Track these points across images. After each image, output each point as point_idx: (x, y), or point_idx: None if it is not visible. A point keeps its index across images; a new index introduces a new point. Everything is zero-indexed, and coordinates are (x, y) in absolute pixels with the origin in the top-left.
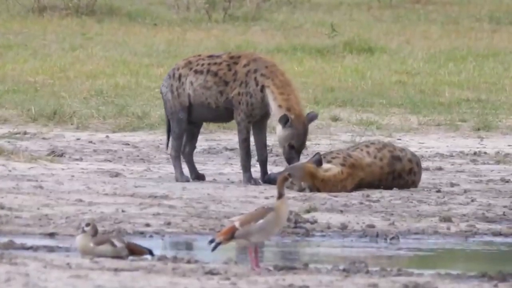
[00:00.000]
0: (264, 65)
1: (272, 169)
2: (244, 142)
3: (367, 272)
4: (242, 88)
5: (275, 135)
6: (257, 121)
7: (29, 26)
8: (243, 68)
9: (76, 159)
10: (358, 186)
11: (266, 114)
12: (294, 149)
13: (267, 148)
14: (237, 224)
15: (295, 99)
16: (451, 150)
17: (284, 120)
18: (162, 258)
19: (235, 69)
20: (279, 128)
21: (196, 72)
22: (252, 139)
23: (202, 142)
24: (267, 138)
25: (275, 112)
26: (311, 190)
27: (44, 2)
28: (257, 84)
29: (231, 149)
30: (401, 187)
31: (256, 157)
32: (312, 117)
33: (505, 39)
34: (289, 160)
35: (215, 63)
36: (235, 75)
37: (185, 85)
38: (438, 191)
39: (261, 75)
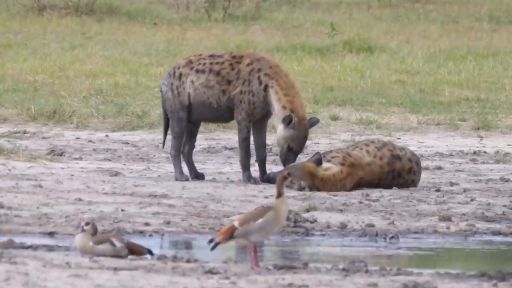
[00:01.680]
0: (268, 65)
1: (271, 168)
2: (244, 142)
3: (367, 271)
4: (245, 86)
5: (276, 134)
6: (258, 120)
7: (28, 25)
8: (247, 67)
9: (76, 158)
10: (358, 185)
11: (266, 114)
12: (292, 151)
13: (266, 147)
14: (236, 223)
15: (299, 101)
16: (451, 149)
17: (288, 120)
18: (161, 257)
19: (238, 68)
20: (280, 127)
21: (197, 71)
22: (251, 138)
23: (201, 141)
24: (267, 138)
25: (278, 112)
26: (310, 189)
27: (43, 1)
28: (260, 83)
29: (231, 148)
30: (401, 186)
31: (255, 156)
32: (314, 122)
33: (505, 38)
34: (285, 162)
35: (217, 63)
36: (238, 74)
37: (186, 84)
38: (438, 190)
39: (265, 75)
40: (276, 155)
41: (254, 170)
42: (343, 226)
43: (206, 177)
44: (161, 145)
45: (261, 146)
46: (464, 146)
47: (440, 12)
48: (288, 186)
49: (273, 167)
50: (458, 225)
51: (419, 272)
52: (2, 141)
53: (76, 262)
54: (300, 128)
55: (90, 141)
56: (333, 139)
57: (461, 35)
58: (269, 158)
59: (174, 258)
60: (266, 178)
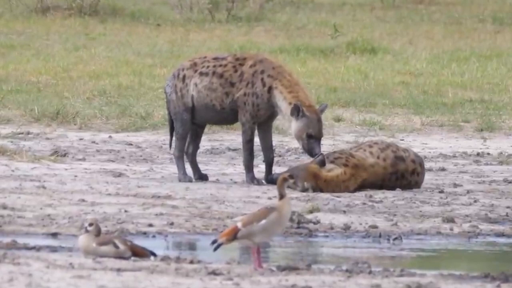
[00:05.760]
0: (271, 66)
1: (274, 169)
2: (248, 143)
3: (370, 272)
4: (249, 88)
5: (284, 135)
6: (263, 122)
7: (32, 26)
8: (250, 68)
9: (79, 159)
10: (361, 187)
11: (271, 116)
12: (313, 138)
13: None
14: (239, 224)
15: (304, 95)
16: (454, 150)
17: (296, 111)
18: (165, 258)
19: (241, 70)
20: (293, 123)
21: (201, 74)
22: (257, 140)
23: (205, 143)
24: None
25: (286, 111)
26: (314, 191)
27: (47, 2)
28: (264, 85)
29: (234, 150)
30: (404, 187)
31: (259, 157)
32: (323, 108)
33: (508, 39)
34: (311, 151)
35: (221, 65)
36: (241, 76)
37: (189, 87)
38: (441, 191)
39: (268, 76)
40: (280, 156)
41: (258, 171)
42: (346, 227)
43: (210, 178)
44: (165, 146)
45: (268, 148)
46: (468, 148)
47: (443, 13)
48: (291, 187)
49: (276, 168)
50: (462, 227)
51: (423, 273)
52: (6, 142)
53: (79, 263)
54: (311, 113)
55: (94, 142)
56: (337, 140)
57: (464, 36)
58: None
59: (177, 259)
60: (270, 179)
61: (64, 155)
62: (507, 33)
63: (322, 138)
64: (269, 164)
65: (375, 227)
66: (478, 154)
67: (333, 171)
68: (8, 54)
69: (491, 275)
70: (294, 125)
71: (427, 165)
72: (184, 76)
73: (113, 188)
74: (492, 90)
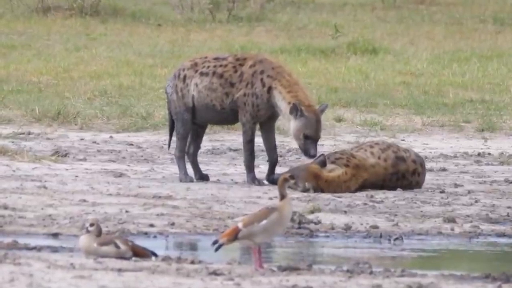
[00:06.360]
0: (271, 66)
1: (275, 169)
2: (249, 144)
3: (371, 272)
4: (248, 89)
5: (285, 135)
6: (265, 123)
7: (33, 26)
8: (249, 69)
9: (80, 159)
10: (362, 187)
11: (272, 116)
12: (309, 139)
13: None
14: (240, 225)
15: (303, 95)
16: (455, 151)
17: (295, 110)
18: (166, 259)
19: (241, 70)
20: (291, 122)
21: (201, 74)
22: (258, 140)
23: (206, 143)
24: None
25: (285, 110)
26: (315, 191)
27: (48, 2)
28: (263, 85)
29: (235, 150)
30: (405, 187)
31: (260, 157)
32: (323, 108)
33: (509, 40)
34: (307, 152)
35: (221, 65)
36: (241, 76)
37: (190, 87)
38: (442, 192)
39: (267, 77)
40: (281, 156)
41: (258, 171)
42: (347, 227)
43: (211, 178)
44: (165, 146)
45: (272, 148)
46: (469, 148)
47: (444, 13)
48: (292, 187)
49: (277, 168)
50: (462, 227)
51: (424, 274)
52: (7, 142)
53: (80, 263)
54: (309, 113)
55: (94, 142)
56: (338, 141)
57: (465, 37)
58: None
59: (178, 259)
60: (271, 179)
61: (65, 155)
62: (508, 33)
63: (323, 139)
64: (272, 164)
65: (376, 227)
66: (479, 154)
67: (334, 171)
68: (9, 54)
69: (492, 276)
70: (292, 124)
71: (428, 165)
72: (185, 76)
73: (114, 188)
74: (493, 90)
